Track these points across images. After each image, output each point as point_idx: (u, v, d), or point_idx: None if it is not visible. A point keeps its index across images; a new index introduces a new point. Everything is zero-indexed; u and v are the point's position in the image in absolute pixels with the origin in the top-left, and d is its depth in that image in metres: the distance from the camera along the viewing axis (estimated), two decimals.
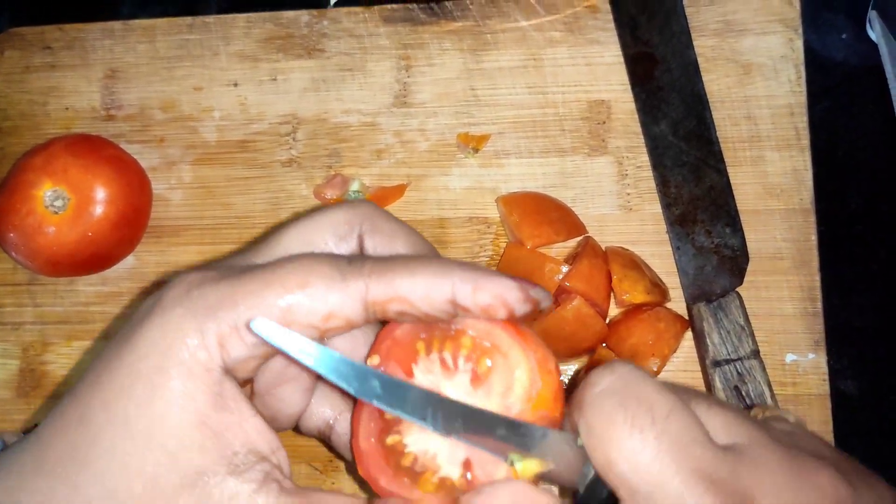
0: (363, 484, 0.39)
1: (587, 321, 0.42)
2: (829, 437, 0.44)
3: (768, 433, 0.26)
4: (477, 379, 0.27)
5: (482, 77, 0.50)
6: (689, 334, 0.45)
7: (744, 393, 0.42)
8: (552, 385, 0.27)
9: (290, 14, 0.52)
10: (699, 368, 0.45)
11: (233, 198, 0.50)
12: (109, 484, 0.25)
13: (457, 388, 0.28)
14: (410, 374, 0.28)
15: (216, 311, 0.25)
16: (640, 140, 0.48)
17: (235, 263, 0.28)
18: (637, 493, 0.23)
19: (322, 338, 0.27)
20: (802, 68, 0.47)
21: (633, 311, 0.44)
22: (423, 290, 0.26)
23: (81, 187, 0.46)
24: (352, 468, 0.42)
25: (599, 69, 0.49)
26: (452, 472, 0.27)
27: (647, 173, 0.47)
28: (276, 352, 0.27)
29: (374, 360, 0.28)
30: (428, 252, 0.30)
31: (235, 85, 0.52)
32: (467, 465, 0.27)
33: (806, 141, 0.47)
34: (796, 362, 0.45)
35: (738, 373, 0.42)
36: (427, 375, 0.28)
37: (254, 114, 0.51)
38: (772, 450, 0.25)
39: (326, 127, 0.50)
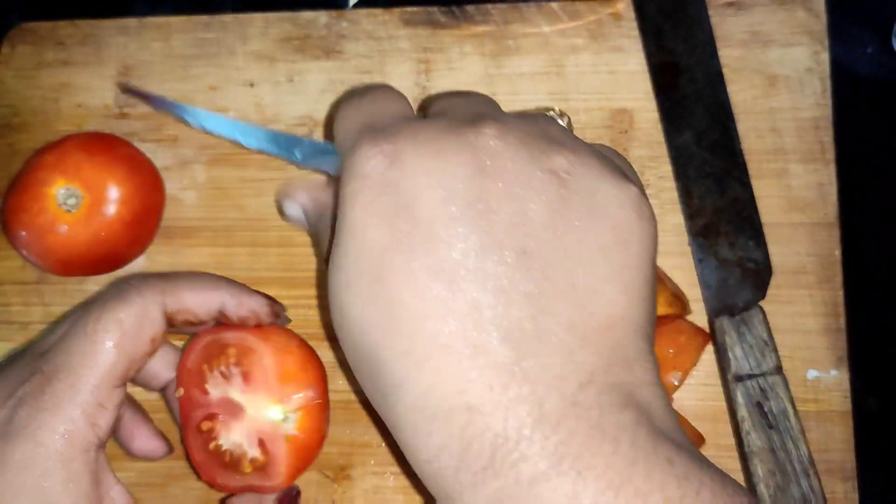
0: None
1: None
2: (851, 454, 0.43)
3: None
4: (246, 377, 0.37)
5: (503, 82, 0.49)
6: (709, 348, 0.45)
7: (766, 409, 0.41)
8: (294, 360, 0.38)
9: (308, 15, 0.51)
10: (720, 383, 0.44)
11: (247, 199, 0.50)
12: None
13: (236, 392, 0.37)
14: (205, 392, 0.37)
15: (68, 405, 0.30)
16: (663, 150, 0.47)
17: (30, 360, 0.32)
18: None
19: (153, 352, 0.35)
20: (828, 81, 0.47)
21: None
22: (201, 302, 0.35)
23: (95, 186, 0.45)
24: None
25: (622, 77, 0.48)
26: (254, 451, 0.37)
27: (670, 184, 0.47)
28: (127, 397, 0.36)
29: (181, 392, 0.38)
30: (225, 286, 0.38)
31: (251, 85, 0.51)
32: (261, 443, 0.37)
33: (831, 155, 0.46)
34: (818, 378, 0.44)
35: (761, 388, 0.42)
36: (217, 388, 0.37)
37: (269, 115, 0.50)
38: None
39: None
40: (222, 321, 0.37)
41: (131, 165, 0.47)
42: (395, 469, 0.46)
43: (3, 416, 0.29)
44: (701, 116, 0.46)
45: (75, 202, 0.44)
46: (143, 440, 0.37)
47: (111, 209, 0.45)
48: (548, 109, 0.47)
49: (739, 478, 0.43)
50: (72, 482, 0.29)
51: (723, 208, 0.45)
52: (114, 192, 0.45)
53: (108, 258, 0.47)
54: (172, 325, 0.35)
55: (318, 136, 0.50)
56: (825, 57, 0.47)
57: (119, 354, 0.31)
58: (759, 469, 0.41)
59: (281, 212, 0.36)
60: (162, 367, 0.38)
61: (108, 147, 0.47)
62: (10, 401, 0.29)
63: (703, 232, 0.45)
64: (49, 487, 0.28)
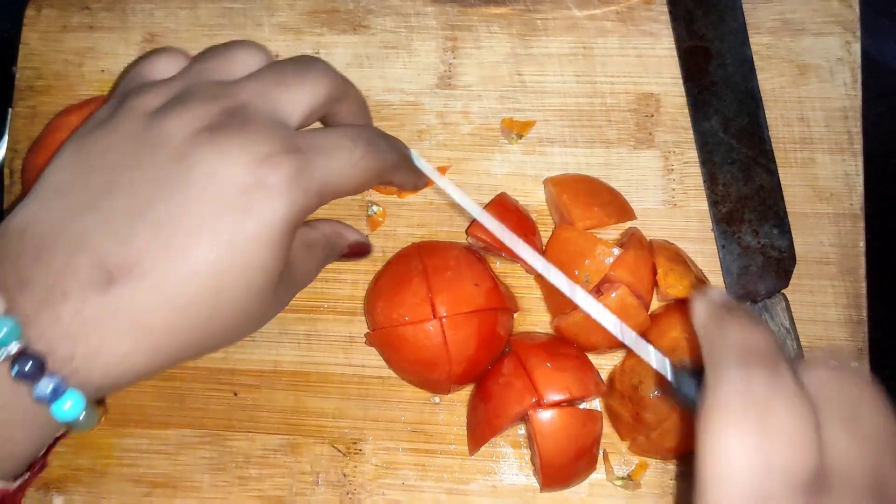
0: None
1: (630, 311, 0.41)
2: None
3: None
4: None
5: (530, 63, 0.49)
6: None
7: None
8: None
9: None
10: None
11: None
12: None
13: None
14: None
15: (316, 195, 0.32)
16: (689, 135, 0.47)
17: (279, 133, 0.32)
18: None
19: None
20: (859, 72, 0.46)
21: (675, 305, 0.43)
22: (401, 181, 0.38)
23: None
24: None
25: (650, 61, 0.48)
26: None
27: (694, 169, 0.46)
28: None
29: None
30: (369, 120, 0.39)
31: (277, 56, 0.51)
32: None
33: (859, 146, 0.46)
34: None
35: None
36: None
37: None
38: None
39: (368, 104, 0.49)
40: None
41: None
42: (407, 444, 0.45)
43: (265, 172, 0.30)
44: (729, 103, 0.46)
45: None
46: (352, 234, 0.40)
47: None
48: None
49: None
50: (289, 242, 0.32)
51: (748, 195, 0.45)
52: None
53: None
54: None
55: None
56: (857, 47, 0.46)
57: (354, 187, 0.34)
58: None
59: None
60: None
61: None
62: (273, 161, 0.31)
63: (726, 218, 0.45)
64: (281, 245, 0.31)
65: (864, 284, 0.45)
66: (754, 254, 0.44)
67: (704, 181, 0.46)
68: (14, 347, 0.27)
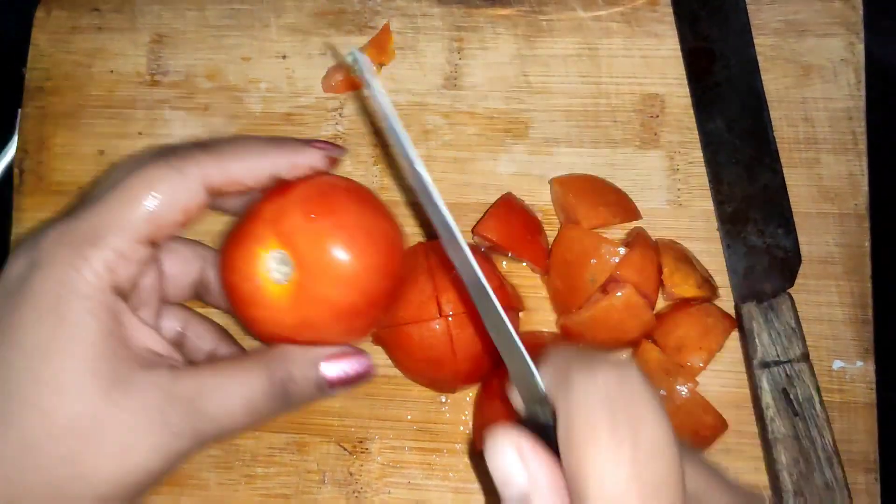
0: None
1: (636, 311, 0.41)
2: (874, 446, 0.43)
3: None
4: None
5: (535, 63, 0.49)
6: (734, 336, 0.44)
7: (791, 397, 0.41)
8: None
9: None
10: (744, 370, 0.44)
11: None
12: (40, 406, 0.28)
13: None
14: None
15: (94, 241, 0.29)
16: (693, 135, 0.47)
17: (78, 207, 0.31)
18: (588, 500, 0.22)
19: (181, 230, 0.32)
20: (863, 72, 0.46)
21: (680, 304, 0.43)
22: (250, 173, 0.32)
23: (310, 257, 0.32)
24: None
25: (655, 62, 0.48)
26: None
27: (699, 169, 0.47)
28: (153, 257, 0.32)
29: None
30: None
31: (284, 57, 0.51)
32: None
33: (863, 146, 0.46)
34: (843, 369, 0.44)
35: (787, 375, 0.41)
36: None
37: (301, 87, 0.51)
38: None
39: (374, 104, 0.50)
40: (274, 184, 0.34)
41: (368, 236, 0.34)
42: (413, 443, 0.46)
43: (34, 246, 0.30)
44: (733, 103, 0.46)
45: (286, 272, 0.33)
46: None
47: (324, 291, 0.33)
48: None
49: (761, 465, 0.43)
50: (90, 313, 0.29)
51: (753, 195, 0.45)
52: (332, 270, 0.32)
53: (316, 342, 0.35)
54: (222, 195, 0.32)
55: (349, 109, 0.50)
56: (860, 48, 0.47)
57: (147, 214, 0.30)
58: (783, 456, 0.41)
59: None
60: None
61: (343, 205, 0.34)
62: (41, 235, 0.30)
63: (732, 218, 0.45)
64: (68, 315, 0.28)
65: (869, 284, 0.45)
66: (760, 253, 0.44)
67: (710, 181, 0.46)
68: None
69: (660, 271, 0.43)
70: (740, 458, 0.44)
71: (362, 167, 0.49)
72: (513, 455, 0.24)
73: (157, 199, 0.30)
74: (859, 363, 0.44)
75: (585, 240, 0.42)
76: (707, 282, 0.43)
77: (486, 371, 0.44)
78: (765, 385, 0.42)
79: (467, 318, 0.42)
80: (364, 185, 0.36)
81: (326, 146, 0.35)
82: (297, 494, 0.46)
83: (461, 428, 0.46)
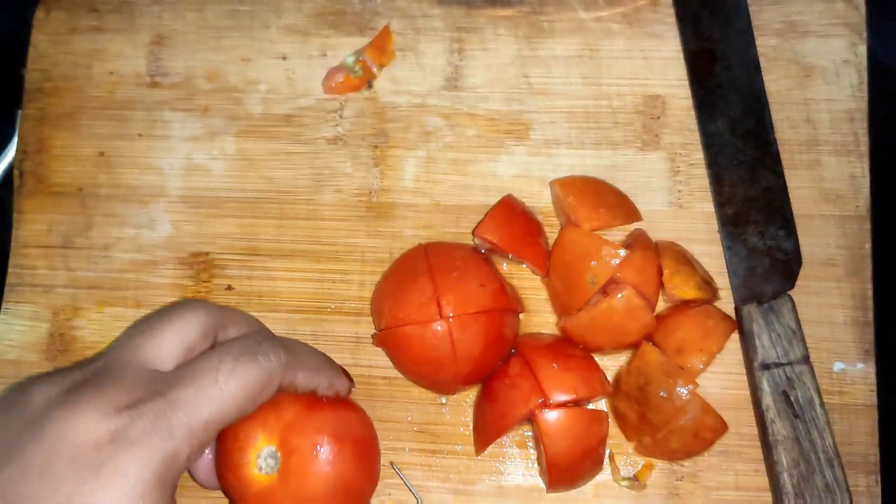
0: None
1: (636, 313, 0.41)
2: (875, 448, 0.43)
3: None
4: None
5: (536, 64, 0.49)
6: (734, 338, 0.44)
7: (792, 398, 0.41)
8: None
9: None
10: (744, 372, 0.44)
11: (275, 172, 0.50)
12: None
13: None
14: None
15: (186, 436, 0.31)
16: (695, 137, 0.47)
17: (141, 378, 0.33)
18: None
19: None
20: (865, 74, 0.46)
21: (680, 306, 0.43)
22: (306, 385, 0.38)
23: (297, 449, 0.38)
24: None
25: (656, 63, 0.48)
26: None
27: (700, 171, 0.47)
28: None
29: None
30: (260, 328, 0.41)
31: (284, 58, 0.51)
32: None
33: (865, 147, 0.46)
34: (844, 371, 0.44)
35: (787, 377, 0.41)
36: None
37: (301, 89, 0.50)
38: None
39: (374, 106, 0.50)
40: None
41: (342, 431, 0.40)
42: (413, 444, 0.46)
43: (121, 423, 0.30)
44: (735, 105, 0.46)
45: (273, 464, 0.38)
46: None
47: (311, 480, 0.38)
48: None
49: (761, 467, 0.43)
50: (165, 499, 0.30)
51: (754, 197, 0.45)
52: (318, 460, 0.38)
53: None
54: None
55: (349, 110, 0.50)
56: (863, 49, 0.46)
57: (237, 408, 0.33)
58: (784, 458, 0.41)
59: None
60: None
61: (322, 404, 0.40)
62: (131, 411, 0.30)
63: (733, 220, 0.45)
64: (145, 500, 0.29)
65: (870, 286, 0.45)
66: (760, 255, 0.44)
67: (711, 183, 0.46)
68: None
69: (660, 273, 0.42)
70: (740, 460, 0.44)
71: (362, 169, 0.49)
72: None
73: (248, 393, 0.34)
74: (860, 365, 0.44)
75: (586, 241, 0.42)
76: (707, 283, 0.43)
77: (486, 373, 0.44)
78: (765, 387, 0.42)
79: (468, 320, 0.42)
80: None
81: (351, 381, 0.42)
82: None
83: (461, 429, 0.46)
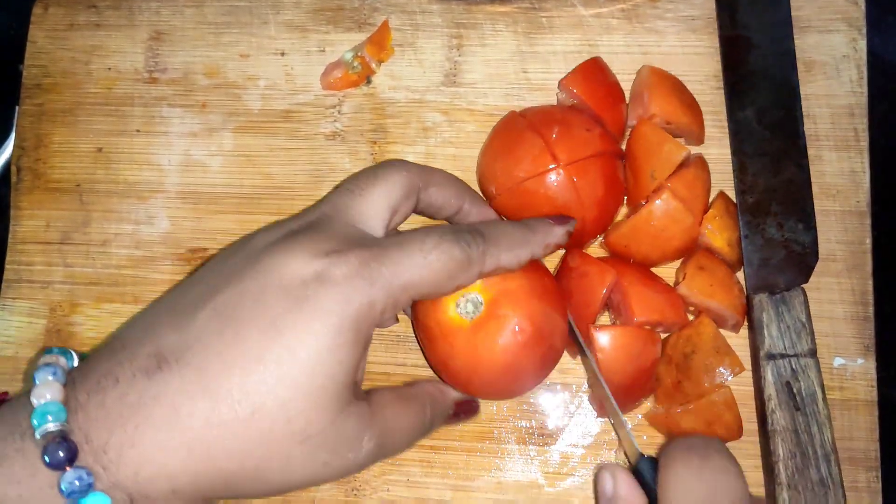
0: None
1: (676, 215, 0.42)
2: (875, 444, 0.43)
3: None
4: None
5: (535, 60, 0.49)
6: (743, 333, 0.44)
7: (795, 390, 0.41)
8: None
9: None
10: (750, 368, 0.44)
11: (273, 168, 0.49)
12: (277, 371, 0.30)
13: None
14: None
15: (384, 288, 0.32)
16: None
17: (350, 233, 0.34)
18: None
19: None
20: (865, 69, 0.46)
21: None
22: (516, 261, 0.37)
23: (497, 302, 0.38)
24: None
25: (655, 59, 0.48)
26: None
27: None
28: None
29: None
30: (468, 193, 0.41)
31: (282, 54, 0.51)
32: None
33: (865, 143, 0.46)
34: (844, 366, 0.44)
35: (792, 369, 0.41)
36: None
37: (299, 84, 0.50)
38: None
39: (373, 102, 0.50)
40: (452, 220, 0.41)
41: (541, 320, 0.39)
42: None
43: (328, 265, 0.32)
44: (766, 94, 0.45)
45: (472, 310, 0.38)
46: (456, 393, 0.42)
47: (498, 342, 0.38)
48: None
49: (759, 464, 0.43)
50: (361, 344, 0.32)
51: (776, 188, 0.44)
52: (513, 329, 0.38)
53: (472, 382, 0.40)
54: (416, 209, 0.39)
55: (348, 106, 0.50)
56: (863, 44, 0.46)
57: (435, 281, 0.34)
58: (780, 449, 0.40)
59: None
60: None
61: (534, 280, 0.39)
62: (338, 256, 0.32)
63: (753, 209, 0.44)
64: (345, 338, 0.31)
65: (870, 281, 0.44)
66: (777, 246, 0.44)
67: (734, 170, 0.45)
68: (49, 432, 0.28)
69: (707, 197, 0.43)
70: (739, 456, 0.43)
71: (361, 164, 0.49)
72: (609, 477, 0.35)
73: (448, 278, 0.34)
74: (860, 360, 0.44)
75: (652, 135, 0.43)
76: (734, 248, 0.43)
77: (610, 220, 0.44)
78: (769, 376, 0.41)
79: (585, 164, 0.42)
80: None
81: (564, 221, 0.40)
82: (295, 492, 0.46)
83: (460, 425, 0.45)
